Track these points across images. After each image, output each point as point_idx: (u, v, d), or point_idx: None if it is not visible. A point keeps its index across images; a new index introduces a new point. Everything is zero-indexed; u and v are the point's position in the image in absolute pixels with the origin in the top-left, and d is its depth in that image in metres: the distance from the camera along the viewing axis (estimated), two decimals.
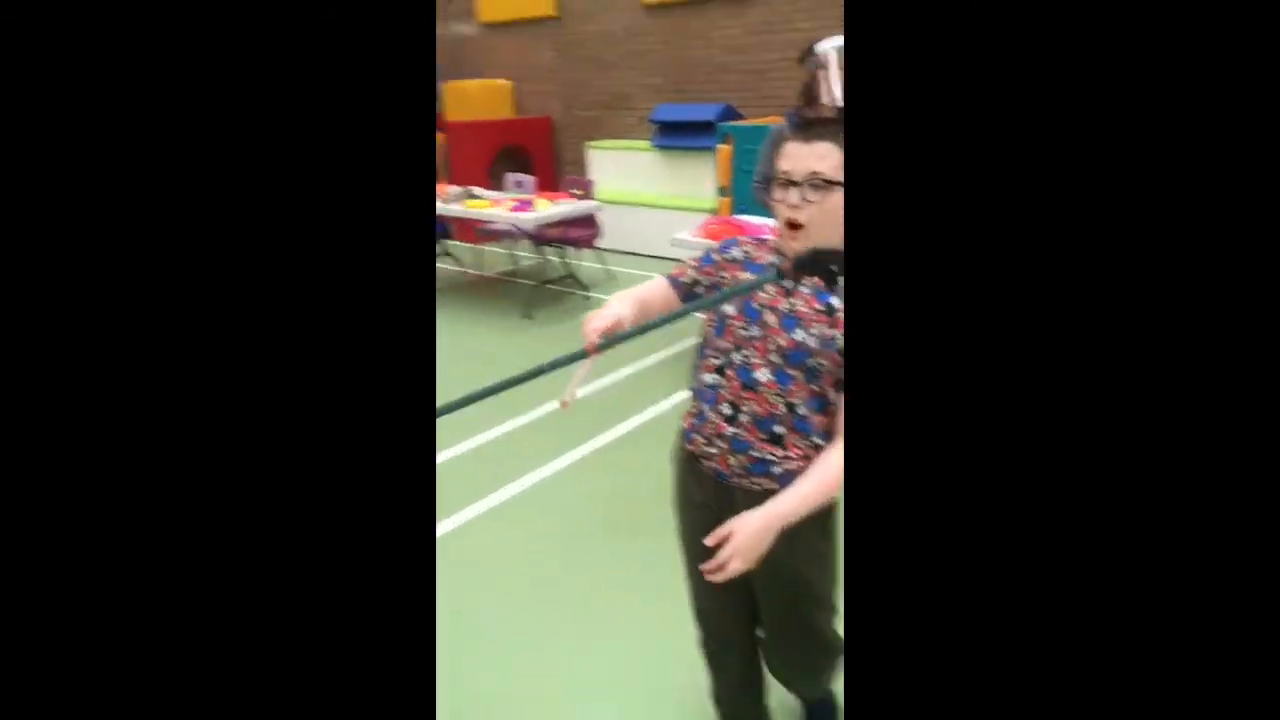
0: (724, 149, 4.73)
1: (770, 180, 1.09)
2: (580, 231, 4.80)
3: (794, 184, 1.04)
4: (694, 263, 1.21)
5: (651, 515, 2.07)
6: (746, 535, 1.02)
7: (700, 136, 5.36)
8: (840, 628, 1.27)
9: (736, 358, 1.12)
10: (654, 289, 1.21)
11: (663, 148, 5.63)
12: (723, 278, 1.17)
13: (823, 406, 1.10)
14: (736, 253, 1.18)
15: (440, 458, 2.77)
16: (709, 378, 1.15)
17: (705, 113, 5.36)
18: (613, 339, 1.04)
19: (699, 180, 5.49)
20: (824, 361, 1.07)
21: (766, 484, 1.11)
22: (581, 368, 1.01)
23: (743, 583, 1.20)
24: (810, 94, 2.45)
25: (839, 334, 1.06)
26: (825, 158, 1.03)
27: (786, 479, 1.09)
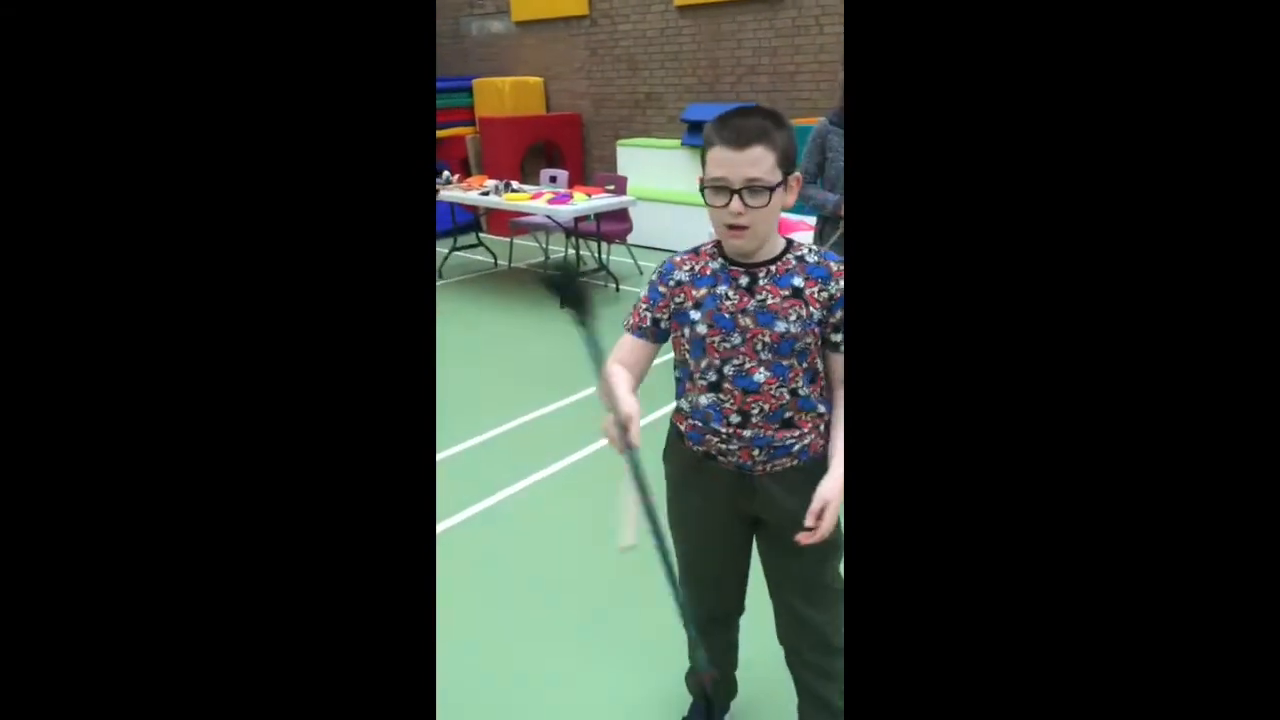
0: None
1: (704, 186, 1.09)
2: (614, 226, 4.94)
3: (733, 192, 1.05)
4: (644, 304, 1.21)
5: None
6: (836, 502, 1.09)
7: None
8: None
9: (729, 370, 1.14)
10: (629, 354, 1.21)
11: (693, 146, 5.75)
12: (678, 303, 1.17)
13: (815, 376, 1.16)
14: (681, 275, 1.18)
15: (445, 454, 2.84)
16: (705, 399, 1.17)
17: None
18: (633, 465, 1.02)
19: None
20: (809, 340, 1.13)
21: (788, 463, 1.18)
22: (630, 502, 1.02)
23: (744, 558, 1.31)
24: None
25: (814, 308, 1.12)
26: (759, 162, 1.04)
27: (804, 454, 1.18)
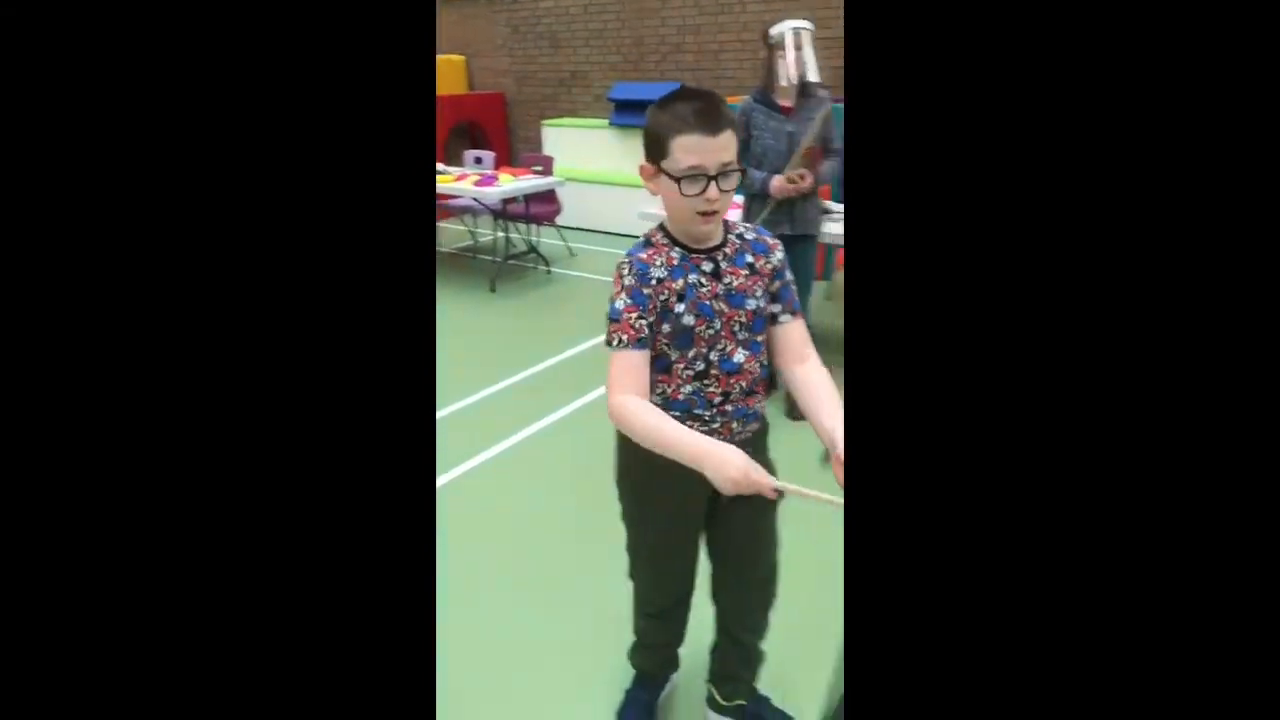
0: None
1: (678, 175, 1.07)
2: (542, 207, 4.89)
3: (710, 178, 1.05)
4: (633, 314, 1.13)
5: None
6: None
7: None
8: None
9: (714, 355, 1.16)
10: (639, 373, 1.13)
11: (620, 126, 5.73)
12: (663, 300, 1.14)
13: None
14: (658, 272, 1.14)
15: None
16: (689, 388, 1.17)
17: (663, 92, 5.42)
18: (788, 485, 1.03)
19: None
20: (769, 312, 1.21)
21: (755, 426, 1.25)
22: (817, 495, 0.99)
23: (698, 540, 1.35)
24: (770, 75, 2.61)
25: (766, 280, 1.19)
26: (729, 146, 1.06)
27: (762, 416, 1.26)
